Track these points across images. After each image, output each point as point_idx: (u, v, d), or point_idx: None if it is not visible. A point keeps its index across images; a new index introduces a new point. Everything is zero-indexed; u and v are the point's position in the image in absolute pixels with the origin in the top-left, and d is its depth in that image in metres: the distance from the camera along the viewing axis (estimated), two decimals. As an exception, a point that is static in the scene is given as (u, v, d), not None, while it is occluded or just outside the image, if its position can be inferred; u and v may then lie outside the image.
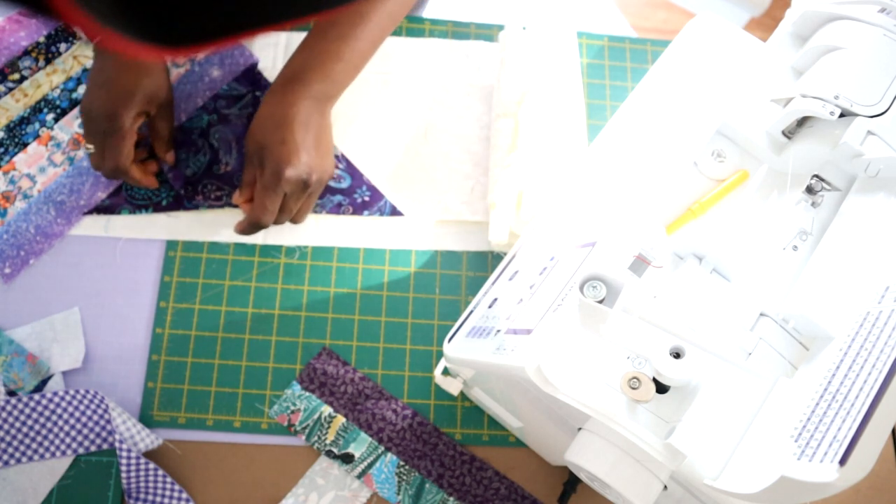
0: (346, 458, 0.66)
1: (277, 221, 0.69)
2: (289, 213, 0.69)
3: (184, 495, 0.62)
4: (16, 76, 0.75)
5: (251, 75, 0.78)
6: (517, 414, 0.62)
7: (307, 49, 0.70)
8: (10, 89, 0.75)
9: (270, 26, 0.30)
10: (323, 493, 0.65)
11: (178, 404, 0.67)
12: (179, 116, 0.76)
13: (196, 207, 0.72)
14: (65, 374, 0.66)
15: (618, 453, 0.48)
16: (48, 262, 0.70)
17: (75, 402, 0.63)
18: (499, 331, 0.55)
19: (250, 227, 0.69)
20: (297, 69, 0.69)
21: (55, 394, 0.63)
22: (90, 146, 0.69)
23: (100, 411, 0.63)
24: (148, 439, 0.63)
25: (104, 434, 0.63)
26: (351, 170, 0.76)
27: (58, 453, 0.63)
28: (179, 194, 0.72)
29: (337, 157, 0.76)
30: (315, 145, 0.68)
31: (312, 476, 0.65)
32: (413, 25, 0.84)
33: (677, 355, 0.47)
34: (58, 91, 0.75)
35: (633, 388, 0.47)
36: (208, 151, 0.74)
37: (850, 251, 0.50)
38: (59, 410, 0.63)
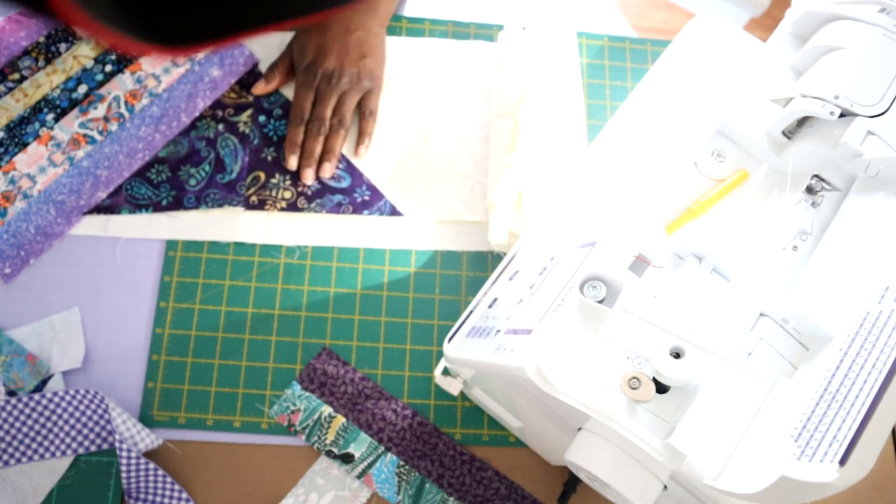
0: (346, 458, 0.66)
1: (319, 116, 0.74)
2: (324, 106, 0.74)
3: (184, 495, 0.62)
4: (16, 76, 0.75)
5: (256, 81, 0.78)
6: (517, 414, 0.62)
7: None
8: (10, 89, 0.75)
9: (270, 26, 0.31)
10: (323, 493, 0.65)
11: (178, 404, 0.67)
12: (180, 116, 0.76)
13: (196, 207, 0.72)
14: (65, 374, 0.66)
15: (618, 453, 0.48)
16: (48, 262, 0.70)
17: (75, 402, 0.63)
18: (499, 331, 0.55)
19: (294, 120, 0.74)
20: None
21: (55, 394, 0.63)
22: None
23: (100, 411, 0.63)
24: (148, 439, 0.63)
25: (104, 434, 0.63)
26: (351, 169, 0.76)
27: (58, 453, 0.63)
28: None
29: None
30: (354, 47, 0.75)
31: (312, 476, 0.65)
32: (413, 25, 0.84)
33: (677, 355, 0.47)
34: (58, 91, 0.75)
35: (633, 388, 0.47)
36: (214, 161, 0.74)
37: (850, 251, 0.50)
38: (59, 410, 0.63)
